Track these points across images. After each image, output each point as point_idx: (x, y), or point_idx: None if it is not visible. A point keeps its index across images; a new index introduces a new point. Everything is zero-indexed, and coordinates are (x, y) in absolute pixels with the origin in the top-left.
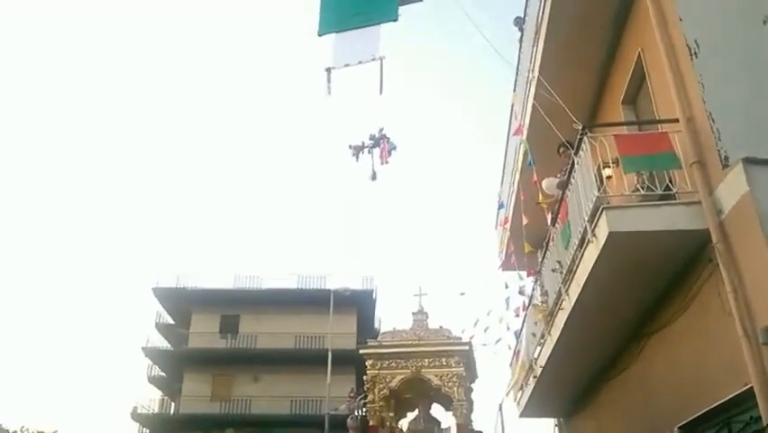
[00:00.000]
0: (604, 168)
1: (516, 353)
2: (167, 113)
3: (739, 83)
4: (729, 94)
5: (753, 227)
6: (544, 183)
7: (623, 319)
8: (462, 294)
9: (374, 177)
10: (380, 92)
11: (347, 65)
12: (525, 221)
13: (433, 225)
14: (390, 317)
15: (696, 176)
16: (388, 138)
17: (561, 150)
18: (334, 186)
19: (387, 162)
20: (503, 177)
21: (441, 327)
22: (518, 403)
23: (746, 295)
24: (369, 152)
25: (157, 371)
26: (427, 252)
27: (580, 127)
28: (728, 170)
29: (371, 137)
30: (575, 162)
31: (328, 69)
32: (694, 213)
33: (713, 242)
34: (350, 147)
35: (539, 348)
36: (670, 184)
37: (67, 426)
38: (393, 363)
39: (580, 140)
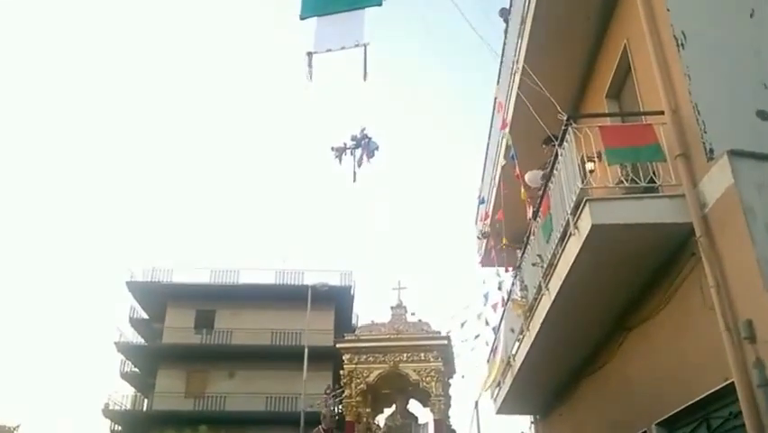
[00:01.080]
0: (588, 161)
1: (494, 349)
2: (143, 104)
3: (726, 75)
4: (716, 86)
5: (736, 221)
6: (528, 176)
7: (603, 314)
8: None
9: (354, 179)
10: (365, 78)
11: (329, 50)
12: (500, 216)
13: (413, 221)
14: (369, 314)
15: (680, 169)
16: (370, 138)
17: (544, 145)
18: (315, 179)
19: (368, 162)
20: (484, 172)
21: (420, 321)
22: (495, 400)
23: (729, 289)
24: (351, 153)
25: (130, 366)
26: (408, 248)
27: (565, 118)
28: (713, 162)
29: (353, 138)
30: (559, 154)
31: (309, 54)
32: (678, 206)
33: (696, 235)
34: (332, 149)
35: (517, 344)
36: (654, 177)
37: (36, 421)
38: (371, 358)
39: (565, 131)
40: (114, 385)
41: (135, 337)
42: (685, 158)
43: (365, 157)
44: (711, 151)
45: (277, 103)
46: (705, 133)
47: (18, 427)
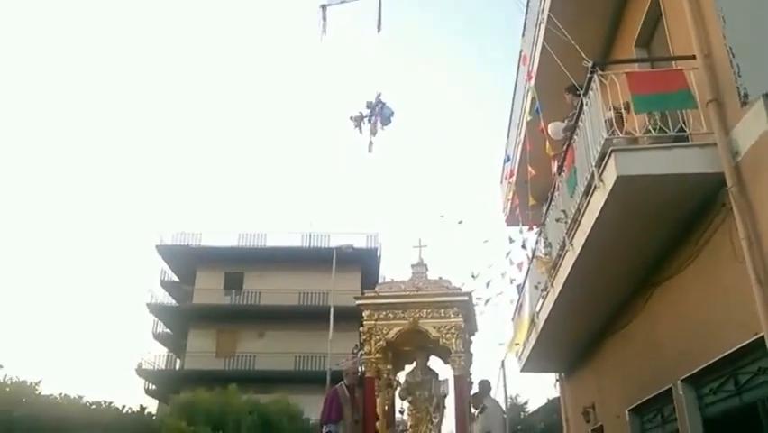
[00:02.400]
0: (615, 113)
1: (518, 307)
2: (171, 69)
3: (762, 16)
4: (751, 28)
5: None
6: (550, 128)
7: (628, 269)
8: (461, 222)
9: (370, 149)
10: (378, 30)
11: (343, 1)
12: (531, 172)
13: (438, 181)
14: (395, 276)
15: (712, 116)
16: (384, 104)
17: (567, 93)
18: (340, 142)
19: (383, 129)
20: (509, 129)
21: (440, 278)
22: (519, 358)
23: (761, 241)
24: (369, 121)
25: (162, 327)
26: (432, 208)
27: (590, 65)
28: (747, 107)
29: (368, 105)
30: (584, 104)
31: (323, 6)
32: (708, 155)
33: (727, 186)
34: (351, 119)
35: (541, 301)
36: (683, 125)
37: (71, 380)
38: (390, 314)
39: (590, 79)
40: (147, 346)
41: (167, 299)
42: (717, 104)
43: (380, 124)
44: (746, 95)
45: (297, 65)
46: (739, 76)
47: (39, 382)
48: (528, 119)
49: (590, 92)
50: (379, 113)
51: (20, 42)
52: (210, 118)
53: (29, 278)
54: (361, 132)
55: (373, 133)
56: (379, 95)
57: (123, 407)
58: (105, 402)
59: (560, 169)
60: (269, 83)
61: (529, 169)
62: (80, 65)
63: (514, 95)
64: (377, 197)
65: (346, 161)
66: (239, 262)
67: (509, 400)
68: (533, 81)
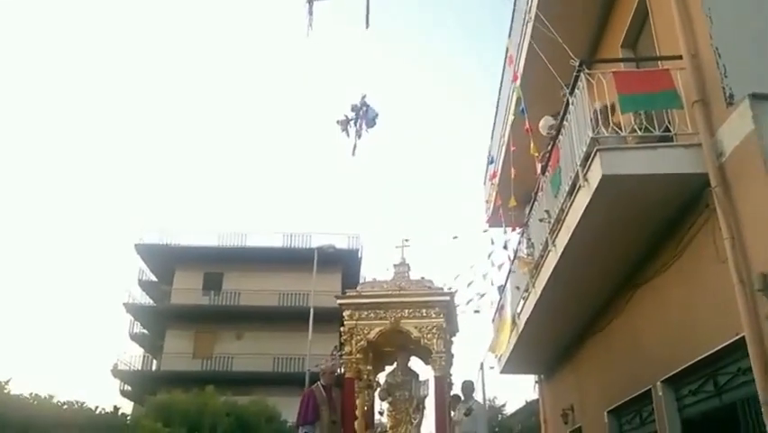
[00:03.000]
0: (600, 114)
1: (499, 308)
2: (152, 67)
3: (748, 17)
4: (738, 28)
5: (755, 169)
6: (541, 122)
7: (611, 270)
8: (455, 237)
9: (354, 153)
10: (366, 26)
11: None
12: (513, 173)
13: (421, 182)
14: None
15: (697, 116)
16: (369, 106)
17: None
18: (322, 142)
19: (367, 132)
20: (494, 129)
21: (422, 278)
22: (499, 360)
23: (743, 241)
24: (354, 124)
25: (139, 327)
26: (414, 210)
27: (577, 63)
28: (733, 108)
29: (353, 108)
30: (569, 103)
31: (309, 1)
32: (693, 155)
33: (711, 186)
34: (337, 123)
35: (522, 302)
36: (669, 125)
37: (43, 380)
38: (372, 314)
39: (576, 77)
40: (123, 346)
41: (144, 299)
42: (703, 104)
43: (364, 126)
44: (731, 96)
45: (282, 64)
46: (725, 77)
47: (9, 381)
48: (512, 119)
49: (577, 91)
50: (363, 115)
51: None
52: (191, 117)
53: (2, 274)
54: (348, 135)
55: (358, 135)
56: (364, 96)
57: (96, 407)
58: (77, 402)
59: (544, 169)
60: (253, 82)
61: (512, 169)
62: (61, 61)
63: (499, 96)
64: (359, 197)
65: (329, 160)
66: (218, 262)
67: (488, 402)
68: (518, 81)
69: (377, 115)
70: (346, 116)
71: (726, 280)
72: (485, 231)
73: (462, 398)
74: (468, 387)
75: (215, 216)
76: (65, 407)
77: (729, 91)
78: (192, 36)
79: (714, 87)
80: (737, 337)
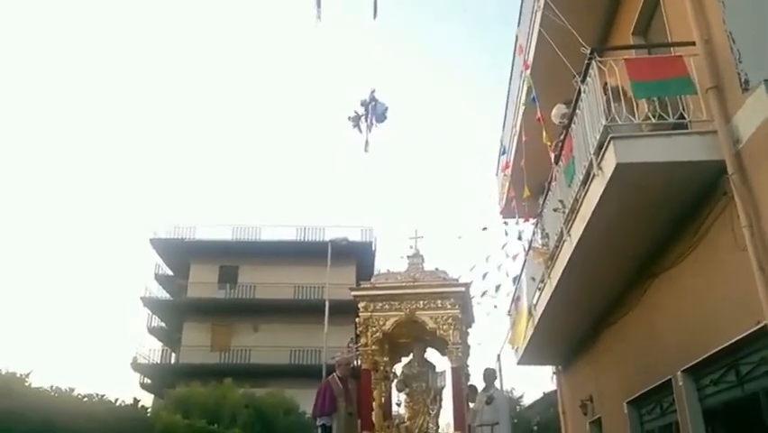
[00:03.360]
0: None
1: (515, 299)
2: (166, 62)
3: (763, 1)
4: (752, 12)
5: None
6: (554, 110)
7: (626, 260)
8: (460, 237)
9: (366, 149)
10: (374, 17)
11: None
12: (523, 161)
13: (435, 175)
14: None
15: (712, 102)
16: (377, 101)
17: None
18: (333, 136)
19: (377, 126)
20: (505, 120)
21: (437, 269)
22: (516, 351)
23: (762, 228)
24: (366, 120)
25: (157, 321)
26: (428, 203)
27: (589, 51)
28: (748, 94)
29: (363, 103)
30: (581, 91)
31: None
32: (709, 143)
33: (728, 173)
34: (349, 119)
35: (538, 293)
36: (683, 112)
37: (63, 374)
38: (386, 306)
39: (588, 65)
40: (141, 340)
41: (161, 293)
42: (717, 91)
43: (374, 121)
44: (747, 82)
45: (293, 58)
46: (740, 62)
47: (29, 374)
48: (523, 110)
49: (588, 78)
50: (373, 111)
51: (10, 32)
52: (204, 112)
53: (22, 270)
54: (360, 131)
55: (369, 130)
56: (373, 91)
57: (116, 400)
58: (97, 395)
59: (557, 158)
60: (264, 76)
61: (524, 160)
62: (74, 58)
63: (509, 86)
64: (372, 190)
65: (341, 154)
66: (233, 256)
67: (506, 393)
68: (529, 70)
69: (386, 108)
70: (356, 112)
71: (745, 268)
72: (484, 229)
73: (484, 385)
74: (490, 375)
75: (229, 209)
76: (85, 400)
77: (744, 77)
78: (204, 29)
79: (728, 72)
80: (759, 326)
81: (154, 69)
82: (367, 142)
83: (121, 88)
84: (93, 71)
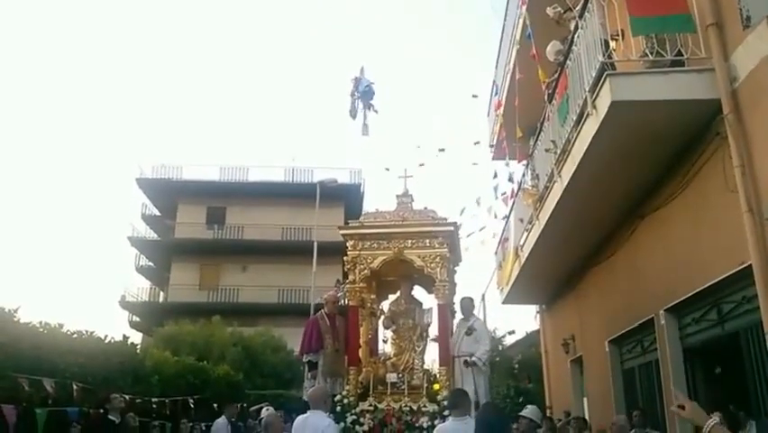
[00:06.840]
0: (611, 40)
1: (503, 240)
2: (154, 3)
3: None
4: None
5: None
6: (549, 47)
7: (616, 201)
8: (442, 150)
9: (365, 132)
10: None
11: None
12: (517, 101)
13: (425, 116)
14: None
15: (711, 40)
16: (361, 78)
17: (557, 14)
18: (322, 75)
19: (376, 113)
20: (498, 57)
21: (425, 208)
22: (501, 290)
23: (754, 169)
24: (359, 100)
25: (144, 261)
26: (418, 144)
27: None
28: (749, 30)
29: (351, 93)
30: (579, 26)
31: None
32: (706, 81)
33: (724, 112)
34: (349, 113)
35: (525, 234)
36: (681, 49)
37: (51, 310)
38: (375, 244)
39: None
40: (129, 278)
41: (148, 233)
42: (717, 28)
43: (369, 109)
44: (748, 18)
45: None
46: None
47: (18, 309)
48: (517, 47)
49: (587, 14)
50: (363, 95)
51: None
52: (190, 49)
53: (9, 206)
54: (354, 117)
55: (364, 117)
56: (362, 69)
57: (106, 336)
58: (86, 331)
59: (551, 97)
60: (255, 15)
61: (518, 99)
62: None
63: (504, 23)
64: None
65: (329, 93)
66: (221, 197)
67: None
68: (525, 6)
69: (373, 93)
70: (351, 100)
71: (733, 209)
72: (474, 164)
73: (461, 317)
74: (467, 305)
75: (216, 148)
76: (75, 336)
77: (746, 13)
78: None
79: (729, 9)
80: (743, 266)
81: (143, 8)
82: (365, 125)
83: (107, 26)
84: (83, 12)
